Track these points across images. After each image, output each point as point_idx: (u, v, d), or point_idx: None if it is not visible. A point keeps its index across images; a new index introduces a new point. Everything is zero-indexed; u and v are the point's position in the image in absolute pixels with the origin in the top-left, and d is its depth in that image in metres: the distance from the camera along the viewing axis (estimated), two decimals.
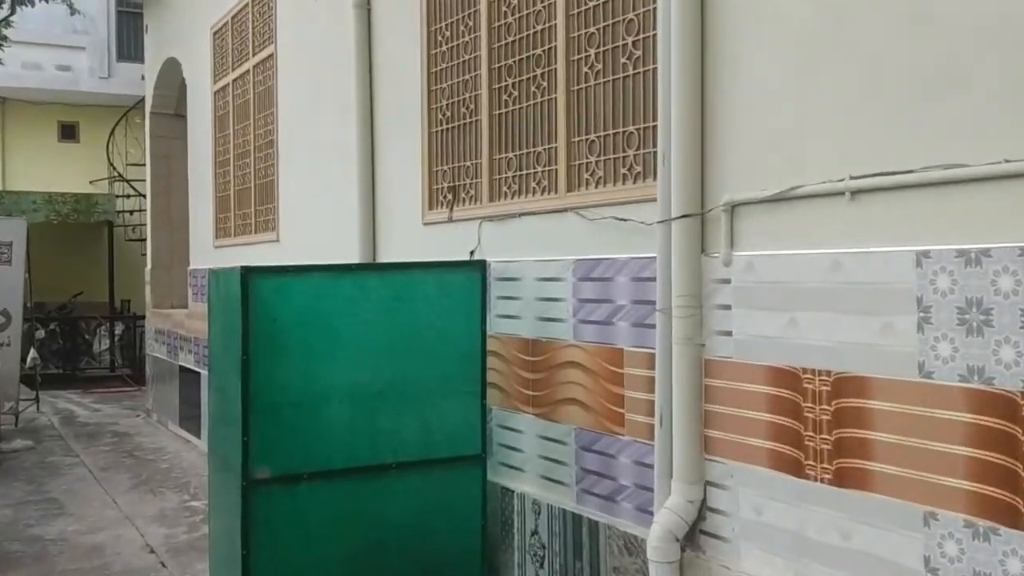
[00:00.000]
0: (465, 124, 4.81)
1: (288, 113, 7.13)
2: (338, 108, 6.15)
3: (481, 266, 4.25)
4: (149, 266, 11.51)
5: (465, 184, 4.81)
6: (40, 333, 14.63)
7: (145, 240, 15.75)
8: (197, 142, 9.62)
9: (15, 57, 15.56)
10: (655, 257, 3.43)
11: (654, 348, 3.47)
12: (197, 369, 9.37)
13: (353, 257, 5.80)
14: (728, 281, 3.19)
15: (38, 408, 11.92)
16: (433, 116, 5.10)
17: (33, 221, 14.29)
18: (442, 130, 5.03)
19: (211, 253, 9.00)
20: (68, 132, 16.89)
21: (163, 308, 11.24)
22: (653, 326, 3.48)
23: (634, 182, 3.68)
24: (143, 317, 15.15)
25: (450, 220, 4.89)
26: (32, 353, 11.78)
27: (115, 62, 16.10)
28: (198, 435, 9.32)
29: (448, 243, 4.91)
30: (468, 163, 4.79)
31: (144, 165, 15.51)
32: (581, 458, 3.94)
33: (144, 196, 15.48)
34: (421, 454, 4.11)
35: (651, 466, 3.52)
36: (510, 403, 4.39)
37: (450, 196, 4.92)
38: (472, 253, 4.64)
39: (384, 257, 5.59)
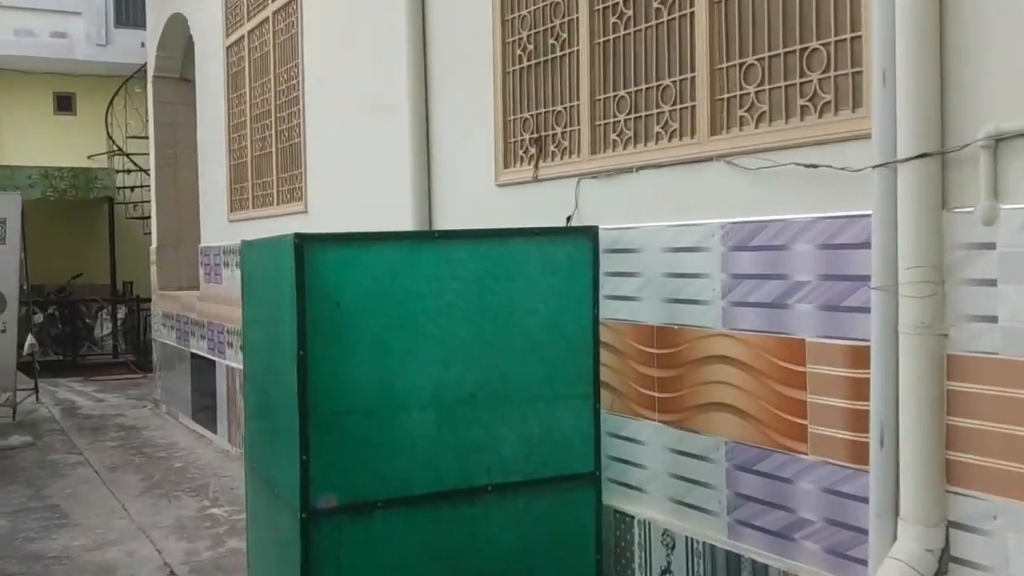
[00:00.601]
0: (554, 59, 3.88)
1: (316, 64, 6.19)
2: (379, 52, 5.21)
3: (592, 234, 3.33)
4: (154, 244, 10.58)
5: (554, 134, 3.89)
6: (38, 317, 13.72)
7: (148, 217, 14.82)
8: (207, 105, 8.67)
9: (7, 24, 14.55)
10: (862, 216, 2.52)
11: (856, 339, 2.57)
12: (211, 357, 8.47)
13: (404, 226, 4.90)
14: (990, 246, 2.28)
15: (37, 398, 11.01)
16: (508, 53, 4.16)
17: (29, 197, 13.35)
18: (521, 69, 4.09)
19: (225, 228, 8.07)
20: (64, 103, 15.90)
21: (171, 290, 10.32)
22: (856, 309, 2.58)
23: (819, 115, 2.76)
24: (147, 300, 14.24)
25: (535, 179, 3.97)
26: (30, 339, 10.87)
27: (113, 28, 15.08)
28: (213, 429, 8.43)
29: (530, 208, 4.00)
30: (559, 107, 3.86)
31: (146, 138, 14.53)
32: (736, 480, 3.04)
33: (146, 171, 14.55)
34: (522, 473, 3.21)
35: (849, 496, 2.63)
36: (626, 407, 3.48)
37: (534, 150, 4.00)
38: (568, 220, 3.73)
39: (444, 226, 4.67)
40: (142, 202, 14.82)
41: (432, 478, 3.09)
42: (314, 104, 6.20)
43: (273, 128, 6.89)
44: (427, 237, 3.11)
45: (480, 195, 4.36)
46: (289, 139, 6.62)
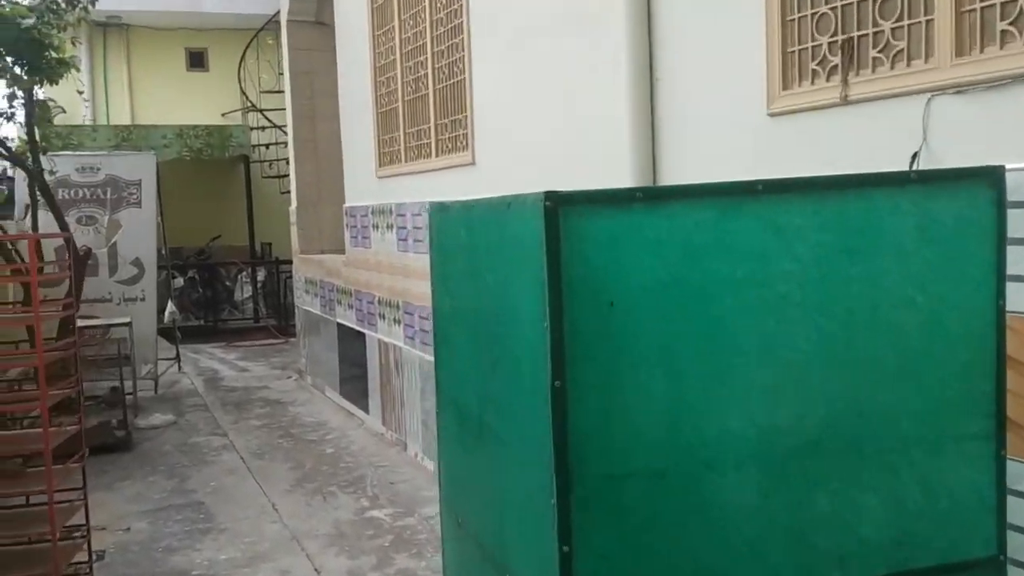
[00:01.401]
0: None
1: None
2: None
3: (995, 179, 2.06)
4: (294, 204, 9.74)
5: (879, 32, 2.62)
6: (178, 282, 13.25)
7: (285, 176, 14.12)
8: (348, 46, 7.65)
9: None
10: None
11: None
12: (360, 329, 7.55)
13: (614, 184, 3.72)
14: None
15: (179, 368, 10.45)
16: None
17: (165, 158, 12.78)
18: None
19: (373, 186, 7.07)
20: (196, 60, 15.30)
21: (312, 253, 9.47)
22: None
23: None
24: (286, 261, 13.57)
25: (843, 100, 2.71)
26: (170, 307, 10.28)
27: None
28: (364, 408, 7.53)
29: (829, 148, 2.75)
30: None
31: (280, 92, 13.75)
32: None
33: (281, 127, 13.80)
34: (891, 564, 2.01)
35: None
36: None
37: (837, 58, 2.74)
38: (914, 160, 2.47)
39: (674, 181, 3.46)
40: (277, 160, 14.13)
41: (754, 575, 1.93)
42: (482, 29, 5.05)
43: (429, 65, 5.78)
44: (745, 192, 1.90)
45: (738, 133, 3.12)
46: (450, 77, 5.50)
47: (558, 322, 1.79)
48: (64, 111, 14.16)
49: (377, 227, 6.96)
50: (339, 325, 8.20)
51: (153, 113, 14.37)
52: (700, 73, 3.33)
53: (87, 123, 13.54)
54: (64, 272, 5.71)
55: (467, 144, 5.30)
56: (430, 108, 5.82)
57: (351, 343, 7.85)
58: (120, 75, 14.93)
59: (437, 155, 5.77)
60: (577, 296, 1.80)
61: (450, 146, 5.58)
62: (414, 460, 6.41)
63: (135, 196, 9.66)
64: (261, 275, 13.87)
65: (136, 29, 14.99)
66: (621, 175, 3.61)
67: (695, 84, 3.37)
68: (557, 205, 1.79)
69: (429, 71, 5.77)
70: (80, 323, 8.46)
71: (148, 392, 9.22)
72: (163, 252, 10.61)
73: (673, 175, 3.46)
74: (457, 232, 2.44)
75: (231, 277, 13.96)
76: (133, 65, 14.99)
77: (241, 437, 7.38)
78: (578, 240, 1.79)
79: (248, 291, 13.86)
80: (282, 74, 13.84)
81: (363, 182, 7.36)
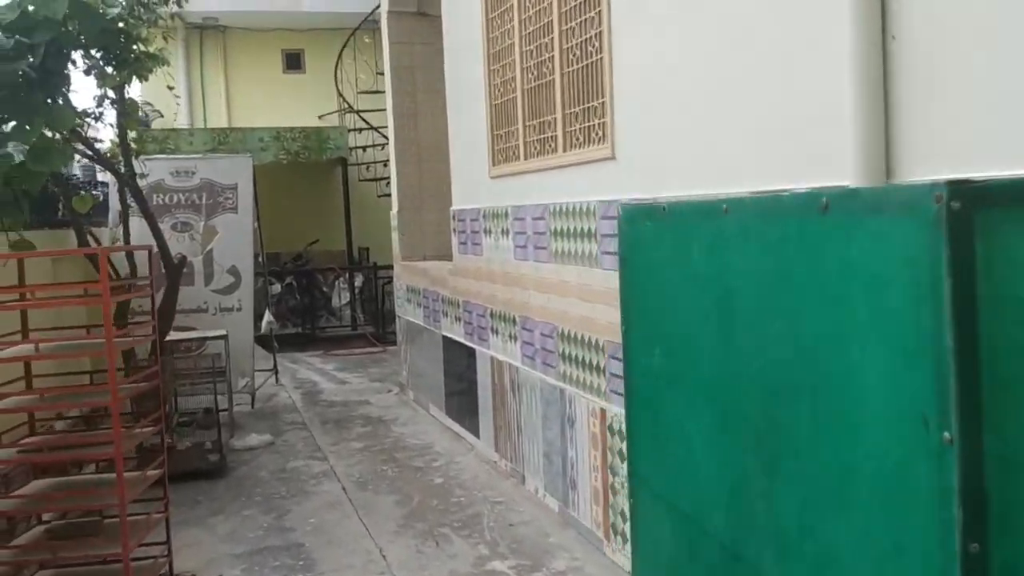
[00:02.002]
0: None
1: None
2: None
3: None
4: (395, 208, 9.05)
5: None
6: (275, 288, 12.76)
7: (382, 179, 13.53)
8: (457, 31, 6.90)
9: None
10: None
11: None
12: (469, 344, 6.79)
13: (814, 178, 2.83)
14: None
15: (277, 380, 9.89)
16: None
17: (262, 161, 12.30)
18: None
19: (485, 187, 6.30)
20: (293, 61, 14.85)
21: (415, 259, 8.77)
22: None
23: None
24: (385, 267, 12.96)
25: None
26: (267, 316, 9.73)
27: None
28: (475, 431, 6.76)
29: None
30: None
31: (378, 92, 13.16)
32: None
33: (378, 129, 13.21)
34: None
35: None
36: None
37: None
38: None
39: (920, 176, 2.56)
40: (375, 163, 13.56)
41: None
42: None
43: (555, 46, 4.96)
44: None
45: None
46: (583, 58, 4.67)
47: (975, 428, 0.93)
48: (161, 115, 13.88)
49: (490, 232, 6.18)
50: (445, 338, 7.46)
51: (249, 116, 13.96)
52: (968, 27, 2.42)
53: (183, 127, 13.17)
54: (142, 288, 5.08)
55: (604, 136, 4.46)
56: (556, 96, 5.00)
57: (458, 358, 7.10)
58: (217, 78, 14.57)
59: (565, 150, 4.95)
60: (1015, 382, 0.94)
61: (581, 139, 4.75)
62: (534, 497, 5.60)
63: (231, 201, 9.12)
64: (358, 281, 13.30)
65: (233, 31, 14.61)
66: (837, 169, 2.72)
67: (958, 42, 2.45)
68: (970, 205, 0.93)
69: (556, 53, 4.95)
70: (174, 336, 7.96)
71: (244, 407, 8.65)
72: (260, 259, 10.08)
73: (919, 168, 2.55)
74: (682, 249, 1.60)
75: (328, 283, 13.42)
76: (230, 68, 14.61)
77: (342, 461, 6.70)
78: (1015, 270, 0.93)
79: (345, 297, 13.29)
80: (380, 74, 13.26)
81: (473, 183, 6.59)
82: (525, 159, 5.54)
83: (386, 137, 13.58)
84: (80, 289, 3.94)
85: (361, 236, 13.99)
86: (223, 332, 7.91)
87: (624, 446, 4.28)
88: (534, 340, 5.49)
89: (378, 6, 12.84)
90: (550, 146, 5.17)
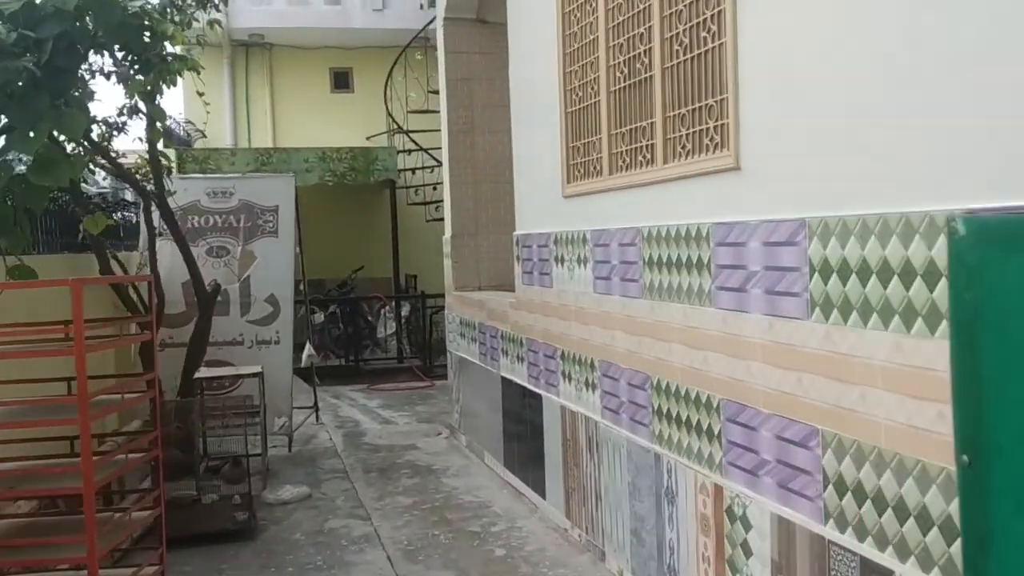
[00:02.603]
0: None
1: None
2: None
3: None
4: (448, 234, 8.18)
5: None
6: (318, 317, 11.97)
7: (432, 203, 12.72)
8: (526, 31, 6.03)
9: None
10: None
11: None
12: (535, 389, 5.85)
13: None
14: None
15: (317, 418, 9.03)
16: None
17: (306, 183, 11.55)
18: None
19: (556, 208, 5.39)
20: (341, 81, 14.16)
21: (470, 290, 7.89)
22: None
23: None
24: (433, 295, 12.12)
25: None
26: (308, 349, 8.88)
27: None
28: (540, 490, 5.81)
29: None
30: None
31: (429, 111, 12.39)
32: None
33: (428, 151, 12.43)
34: None
35: None
36: None
37: None
38: None
39: None
40: (424, 185, 12.77)
41: None
42: None
43: (655, 35, 4.05)
44: None
45: None
46: (693, 46, 3.74)
47: None
48: (204, 135, 13.24)
49: (562, 261, 5.26)
50: (504, 380, 6.54)
51: (295, 137, 13.26)
52: None
53: (225, 147, 12.48)
54: (143, 335, 4.24)
55: (723, 141, 3.52)
56: (654, 97, 4.09)
57: (520, 404, 6.17)
58: (262, 97, 13.93)
59: (665, 161, 4.02)
60: None
61: (689, 146, 3.82)
62: None
63: (271, 224, 8.32)
64: (405, 310, 12.45)
65: (279, 49, 13.97)
66: None
67: None
68: None
69: (655, 44, 4.04)
70: (204, 373, 7.13)
71: (281, 449, 7.80)
72: (301, 286, 9.26)
73: None
74: None
75: (373, 313, 12.60)
76: (276, 86, 13.97)
77: (387, 522, 5.78)
78: None
79: (391, 328, 12.45)
80: (432, 92, 12.48)
81: (541, 204, 5.69)
82: (610, 174, 4.62)
83: (436, 160, 12.82)
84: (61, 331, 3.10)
85: (409, 263, 13.17)
86: (258, 368, 7.06)
87: (751, 536, 3.30)
88: (618, 390, 4.54)
89: (431, 21, 12.10)
90: (644, 157, 4.25)
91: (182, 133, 13.18)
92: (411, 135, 12.57)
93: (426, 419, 9.12)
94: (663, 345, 4.02)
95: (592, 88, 4.83)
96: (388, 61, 12.81)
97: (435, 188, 12.76)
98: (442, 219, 12.94)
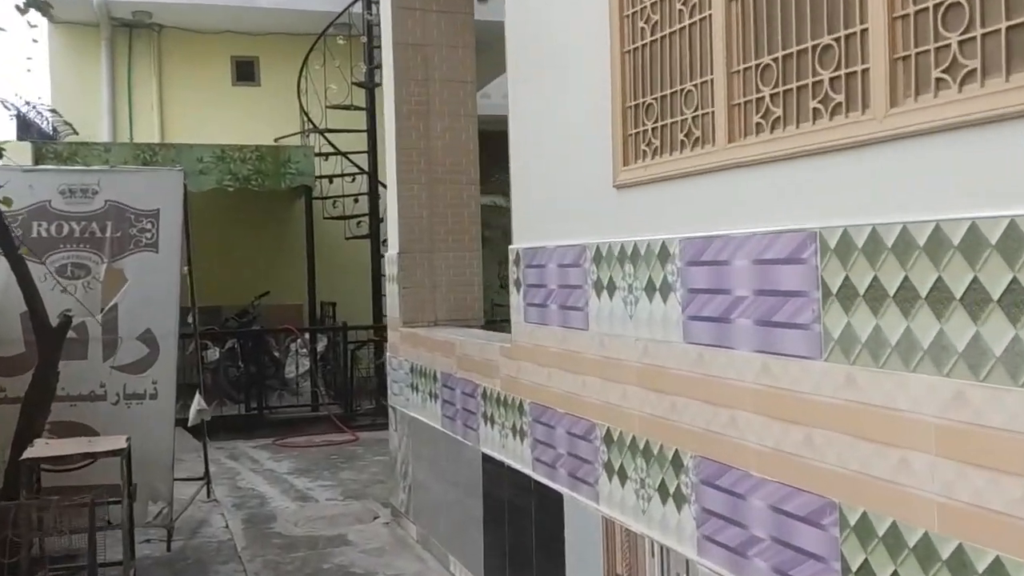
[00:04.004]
0: None
1: None
2: None
3: None
4: (393, 249, 6.08)
5: None
6: (212, 354, 9.64)
7: (354, 218, 10.61)
8: None
9: None
10: None
11: None
12: (550, 484, 3.82)
13: None
14: None
15: (209, 493, 6.76)
16: None
17: (201, 188, 9.30)
18: None
19: (601, 205, 3.40)
20: (245, 71, 11.90)
21: (420, 324, 5.82)
22: None
23: None
24: (357, 328, 9.98)
25: None
26: (197, 401, 6.61)
27: None
28: None
29: None
30: None
31: (354, 108, 10.34)
32: None
33: (347, 156, 10.34)
34: None
35: None
36: None
37: None
38: None
39: None
40: (344, 196, 10.64)
41: None
42: None
43: None
44: None
45: None
46: None
47: None
48: (75, 131, 10.79)
49: (611, 288, 3.28)
50: (488, 458, 4.49)
51: (188, 135, 10.90)
52: None
53: (100, 142, 10.05)
54: None
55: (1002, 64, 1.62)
56: (803, 18, 2.16)
57: (518, 498, 4.13)
58: (148, 87, 11.55)
59: (894, 103, 2.08)
60: None
61: (917, 84, 1.90)
62: None
63: (149, 234, 6.10)
64: (321, 345, 10.22)
65: (170, 31, 11.64)
66: None
67: None
68: None
69: None
70: (34, 452, 4.83)
71: (157, 547, 5.53)
72: (191, 317, 7.00)
73: None
74: None
75: (281, 348, 10.33)
76: (165, 76, 11.61)
77: None
78: None
79: (304, 366, 10.20)
80: (357, 84, 10.42)
81: (568, 201, 3.69)
82: (735, 141, 2.66)
83: (359, 166, 10.73)
84: None
85: (326, 288, 10.95)
86: (121, 444, 4.83)
87: None
88: (747, 515, 2.57)
89: (354, 1, 10.03)
90: (831, 101, 2.30)
91: (45, 126, 10.69)
92: (329, 135, 10.44)
93: (356, 492, 6.95)
94: (872, 446, 2.09)
95: (684, 8, 2.87)
96: (301, 50, 10.66)
97: (357, 200, 10.66)
98: (365, 236, 10.89)
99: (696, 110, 2.84)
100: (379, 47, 10.46)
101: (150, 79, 11.49)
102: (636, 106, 3.18)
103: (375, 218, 10.54)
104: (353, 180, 10.77)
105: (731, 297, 2.64)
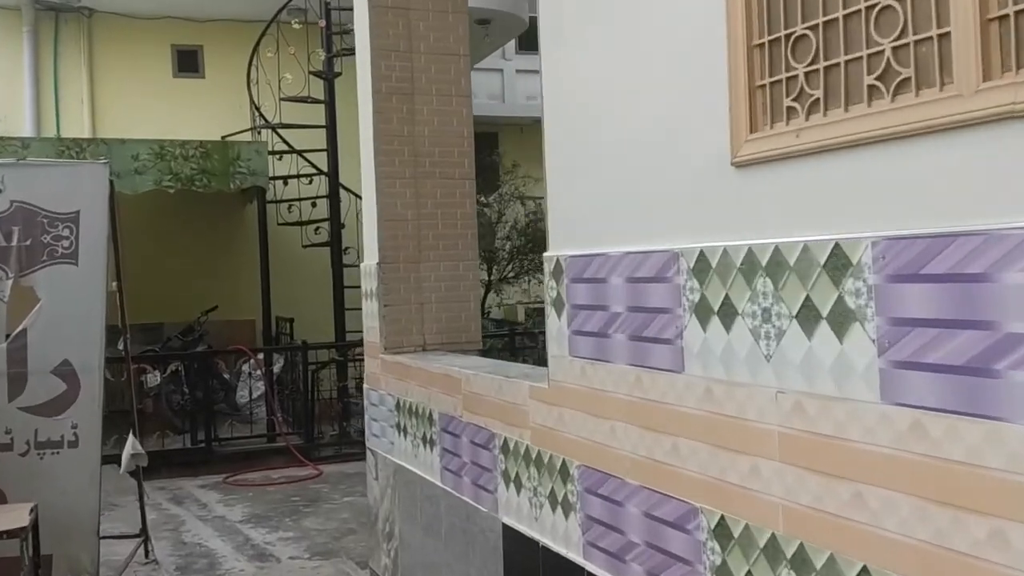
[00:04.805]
0: None
1: None
2: None
3: None
4: (372, 259, 4.93)
5: None
6: (152, 378, 8.38)
7: (312, 223, 9.43)
8: None
9: None
10: None
11: None
12: None
13: None
14: None
15: (148, 552, 5.54)
16: None
17: (136, 190, 8.06)
18: None
19: (715, 189, 2.31)
20: (187, 62, 10.61)
21: (407, 351, 4.70)
22: None
23: None
24: (319, 347, 8.81)
25: None
26: (131, 444, 5.41)
27: None
28: None
29: None
30: None
31: (311, 102, 9.17)
32: None
33: (302, 155, 9.17)
34: None
35: None
36: None
37: None
38: None
39: None
40: (300, 200, 9.46)
41: None
42: None
43: None
44: None
45: None
46: None
47: None
48: None
49: (731, 313, 2.18)
50: (511, 532, 3.38)
51: (122, 133, 9.58)
52: None
53: (18, 136, 8.70)
54: None
55: None
56: None
57: None
58: (77, 78, 10.22)
59: None
60: None
61: None
62: None
63: (67, 243, 4.90)
64: (277, 366, 8.99)
65: (102, 17, 10.33)
66: None
67: None
68: None
69: None
70: None
71: None
72: (122, 342, 5.79)
73: None
74: None
75: (233, 370, 9.09)
76: (97, 65, 10.30)
77: None
78: None
79: (258, 390, 8.97)
80: (316, 73, 9.24)
81: (646, 188, 2.60)
82: (986, 80, 1.59)
83: (316, 167, 9.55)
84: None
85: (282, 302, 9.72)
86: (22, 518, 3.63)
87: None
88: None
89: None
90: None
91: None
92: (285, 131, 9.24)
93: (324, 547, 5.78)
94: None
95: None
96: (250, 39, 9.45)
97: (315, 204, 9.47)
98: (324, 244, 9.70)
99: (903, 34, 1.78)
100: (339, 33, 9.37)
101: (79, 70, 10.15)
102: (771, 43, 2.11)
103: (336, 224, 9.37)
104: (311, 182, 9.58)
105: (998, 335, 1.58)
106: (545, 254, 3.12)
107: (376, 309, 4.80)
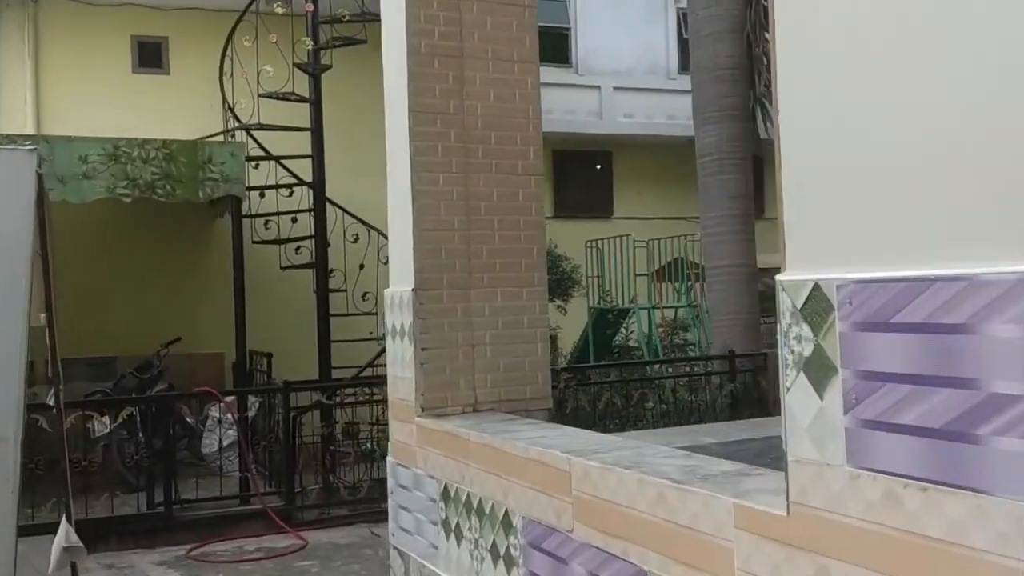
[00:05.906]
0: None
1: None
2: None
3: None
4: (405, 284, 3.50)
5: None
6: (101, 425, 6.85)
7: (292, 241, 8.01)
8: None
9: None
10: None
11: None
12: None
13: None
14: None
15: None
16: None
17: (85, 198, 6.61)
18: None
19: None
20: (150, 56, 9.15)
21: (454, 411, 3.29)
22: None
23: None
24: (302, 387, 7.34)
25: None
26: (64, 532, 3.91)
27: None
28: None
29: None
30: None
31: (297, 100, 7.78)
32: None
33: (280, 162, 7.78)
34: None
35: None
36: None
37: None
38: None
39: None
40: (279, 214, 8.06)
41: None
42: None
43: None
44: None
45: None
46: None
47: None
48: None
49: None
50: None
51: (73, 129, 8.08)
52: None
53: None
54: None
55: None
56: None
57: None
58: (20, 68, 8.71)
59: None
60: None
61: None
62: None
63: None
64: (252, 411, 7.48)
65: (51, 4, 8.84)
66: None
67: None
68: None
69: None
70: None
71: None
72: (54, 386, 4.29)
73: None
74: None
75: (198, 415, 7.57)
76: (44, 56, 8.82)
77: None
78: None
79: (229, 437, 7.45)
80: (300, 66, 7.86)
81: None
82: None
83: (297, 176, 8.15)
84: None
85: (259, 334, 8.21)
86: None
87: None
88: None
89: None
90: None
91: None
92: (262, 133, 7.83)
93: None
94: None
95: None
96: (221, 31, 8.03)
97: (295, 220, 8.05)
98: (308, 266, 8.27)
99: None
100: (329, 22, 8.01)
101: (22, 61, 8.66)
102: None
103: (321, 242, 7.95)
104: (291, 193, 8.17)
105: None
106: (778, 277, 1.75)
107: (409, 354, 3.39)
